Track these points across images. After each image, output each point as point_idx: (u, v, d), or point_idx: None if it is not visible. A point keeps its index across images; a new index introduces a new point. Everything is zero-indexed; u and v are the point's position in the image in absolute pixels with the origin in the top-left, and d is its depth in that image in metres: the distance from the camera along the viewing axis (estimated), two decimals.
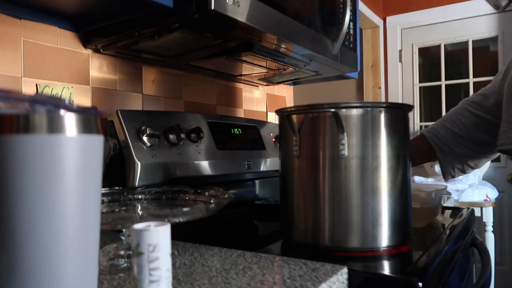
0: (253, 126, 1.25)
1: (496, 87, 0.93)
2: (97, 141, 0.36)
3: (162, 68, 1.15)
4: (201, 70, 1.22)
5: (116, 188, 0.80)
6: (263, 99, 1.59)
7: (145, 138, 0.87)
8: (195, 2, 0.71)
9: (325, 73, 1.30)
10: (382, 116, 0.69)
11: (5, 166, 0.31)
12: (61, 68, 0.90)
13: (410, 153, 0.76)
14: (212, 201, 0.70)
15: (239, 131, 1.18)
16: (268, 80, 1.42)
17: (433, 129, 1.01)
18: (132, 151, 0.85)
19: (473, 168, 1.01)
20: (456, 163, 1.00)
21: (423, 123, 2.97)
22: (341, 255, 0.67)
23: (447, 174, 1.02)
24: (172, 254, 0.64)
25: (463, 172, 1.01)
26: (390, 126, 0.69)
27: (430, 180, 2.21)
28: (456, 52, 2.91)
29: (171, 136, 0.93)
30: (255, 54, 0.99)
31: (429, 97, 3.00)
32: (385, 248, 0.68)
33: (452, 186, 2.13)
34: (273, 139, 1.30)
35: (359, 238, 0.67)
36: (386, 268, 0.64)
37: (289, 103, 1.75)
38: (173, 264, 0.60)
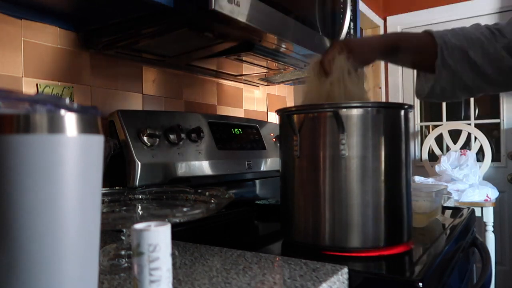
0: (254, 126, 1.25)
1: None
2: (97, 141, 0.36)
3: (163, 68, 1.15)
4: (201, 70, 1.22)
5: (117, 188, 0.80)
6: (264, 99, 1.59)
7: (145, 138, 0.87)
8: (195, 2, 0.71)
9: None
10: (383, 116, 0.69)
11: (5, 166, 0.31)
12: (61, 68, 0.90)
13: (409, 49, 0.70)
14: (212, 201, 0.70)
15: (239, 131, 1.18)
16: (269, 80, 1.42)
17: (444, 34, 0.80)
18: (133, 151, 0.85)
19: (449, 99, 0.86)
20: (447, 83, 0.81)
21: (424, 123, 2.97)
22: (342, 255, 0.66)
23: (425, 91, 0.84)
24: (173, 254, 0.64)
25: (438, 97, 0.85)
26: (391, 126, 0.69)
27: (430, 180, 2.21)
28: None
29: (172, 136, 0.93)
30: (256, 54, 0.99)
31: None
32: (385, 248, 0.68)
33: (452, 186, 2.13)
34: (274, 139, 1.30)
35: (360, 238, 0.67)
36: (386, 268, 0.64)
37: (290, 103, 1.75)
38: (174, 264, 0.60)
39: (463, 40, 0.78)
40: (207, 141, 1.03)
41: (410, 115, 0.76)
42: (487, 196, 2.13)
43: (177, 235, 0.69)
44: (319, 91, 0.78)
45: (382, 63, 2.91)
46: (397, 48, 0.82)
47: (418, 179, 2.18)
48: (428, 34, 0.81)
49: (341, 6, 1.10)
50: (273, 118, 1.60)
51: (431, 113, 3.00)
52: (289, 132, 0.73)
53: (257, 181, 1.23)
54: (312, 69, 0.81)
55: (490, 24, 0.80)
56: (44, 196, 0.32)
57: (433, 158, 2.70)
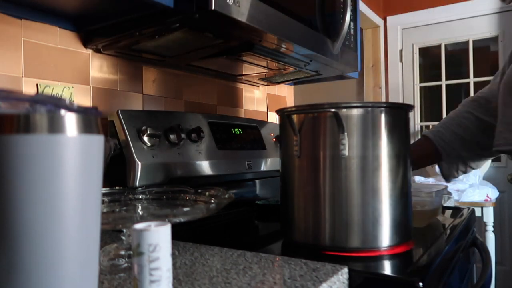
0: (254, 126, 1.25)
1: (496, 89, 0.94)
2: (97, 141, 0.36)
3: (163, 68, 1.15)
4: (201, 70, 1.22)
5: (117, 188, 0.80)
6: (264, 99, 1.59)
7: (145, 138, 0.87)
8: (195, 2, 0.71)
9: (325, 73, 1.30)
10: (383, 116, 0.69)
11: (6, 166, 0.31)
12: (61, 68, 0.90)
13: (412, 156, 0.76)
14: (212, 201, 0.70)
15: (239, 131, 1.18)
16: (269, 80, 1.42)
17: (439, 131, 1.00)
18: (133, 151, 0.85)
19: (474, 168, 1.03)
20: (460, 165, 1.00)
21: (424, 123, 2.97)
22: (342, 255, 0.66)
23: (451, 177, 1.03)
24: (173, 254, 0.64)
25: (465, 172, 1.03)
26: (391, 126, 0.69)
27: (430, 180, 2.21)
28: (457, 52, 2.91)
29: (172, 136, 0.93)
30: (256, 54, 0.99)
31: (430, 97, 3.00)
32: (385, 248, 0.68)
33: (452, 186, 2.13)
34: (274, 139, 1.30)
35: (360, 238, 0.67)
36: (386, 268, 0.64)
37: (290, 103, 1.75)
38: (174, 264, 0.60)
39: (452, 125, 1.00)
40: (207, 141, 1.03)
41: (410, 115, 0.77)
42: (487, 196, 2.13)
43: (177, 235, 0.69)
44: None
45: (382, 64, 2.91)
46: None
47: (418, 179, 2.19)
48: (426, 138, 1.01)
49: (341, 6, 1.10)
50: (273, 118, 1.60)
51: (431, 113, 3.00)
52: (289, 132, 0.73)
53: (257, 181, 1.23)
54: None
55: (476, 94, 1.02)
56: (44, 196, 0.32)
57: None
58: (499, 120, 0.87)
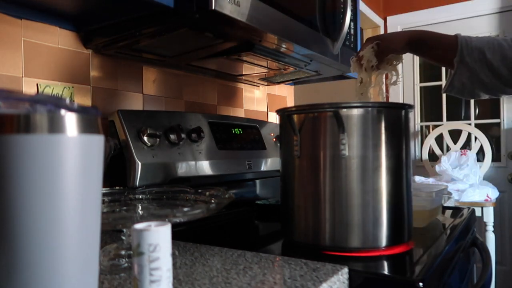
0: (254, 126, 1.25)
1: None
2: (97, 141, 0.36)
3: (163, 68, 1.15)
4: (201, 70, 1.22)
5: (117, 188, 0.80)
6: (264, 99, 1.59)
7: (145, 138, 0.87)
8: (195, 2, 0.71)
9: (325, 73, 1.30)
10: (383, 116, 0.69)
11: (6, 166, 0.31)
12: (61, 68, 0.90)
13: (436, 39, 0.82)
14: (212, 201, 0.70)
15: (239, 131, 1.18)
16: (269, 80, 1.42)
17: (469, 37, 0.86)
18: (133, 151, 0.85)
19: (469, 97, 0.93)
20: (466, 79, 0.86)
21: (424, 123, 2.97)
22: (342, 255, 0.66)
23: (449, 87, 0.90)
24: (173, 254, 0.64)
25: (459, 92, 0.90)
26: (391, 126, 0.69)
27: (430, 180, 2.21)
28: None
29: (172, 136, 0.93)
30: (256, 54, 0.99)
31: (430, 97, 3.00)
32: (385, 248, 0.68)
33: (452, 186, 2.13)
34: (274, 139, 1.30)
35: (360, 238, 0.67)
36: (386, 268, 0.64)
37: (290, 103, 1.75)
38: (174, 264, 0.60)
39: (483, 43, 0.84)
40: (207, 141, 1.03)
41: (411, 115, 0.77)
42: (487, 196, 2.13)
43: (177, 235, 0.69)
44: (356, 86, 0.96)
45: None
46: (423, 41, 0.91)
47: (418, 179, 2.18)
48: (454, 35, 0.89)
49: (341, 6, 1.10)
50: (274, 118, 1.60)
51: (431, 113, 3.00)
52: (289, 132, 0.73)
53: (257, 181, 1.23)
54: (352, 65, 0.96)
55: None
56: (44, 196, 0.32)
57: (433, 158, 2.70)
58: None
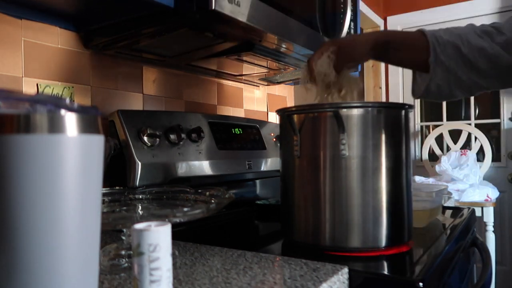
0: (254, 126, 1.25)
1: None
2: (97, 141, 0.36)
3: (163, 68, 1.15)
4: (201, 70, 1.22)
5: (117, 188, 0.80)
6: (264, 99, 1.59)
7: (145, 138, 0.87)
8: (195, 2, 0.71)
9: None
10: (383, 116, 0.69)
11: (6, 166, 0.31)
12: (61, 68, 0.90)
13: (400, 46, 0.71)
14: (212, 201, 0.70)
15: (239, 131, 1.18)
16: (269, 80, 1.42)
17: (436, 31, 0.78)
18: (133, 151, 0.85)
19: (446, 98, 0.83)
20: (442, 80, 0.78)
21: (424, 123, 2.97)
22: (342, 255, 0.66)
23: (421, 90, 0.81)
24: (173, 254, 0.64)
25: (435, 96, 0.81)
26: (391, 126, 0.69)
27: (430, 180, 2.21)
28: None
29: (172, 136, 0.93)
30: (256, 54, 0.99)
31: None
32: (385, 248, 0.68)
33: (452, 186, 2.13)
34: (274, 139, 1.30)
35: (360, 238, 0.67)
36: (386, 268, 0.64)
37: (290, 103, 1.75)
38: (174, 264, 0.60)
39: (455, 37, 0.76)
40: (207, 141, 1.03)
41: (411, 115, 0.76)
42: (488, 196, 2.13)
43: (177, 235, 0.69)
44: (305, 96, 0.79)
45: (383, 64, 2.91)
46: (387, 45, 0.79)
47: (418, 179, 2.18)
48: (419, 31, 0.78)
49: (342, 6, 1.10)
50: (274, 118, 1.59)
51: (431, 113, 3.00)
52: (289, 132, 0.73)
53: (257, 181, 1.23)
54: (302, 73, 0.81)
55: (486, 24, 0.78)
56: (44, 196, 0.32)
57: (434, 158, 2.70)
58: None
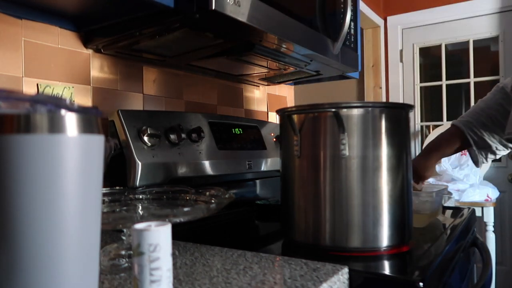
0: (254, 126, 1.25)
1: None
2: (97, 141, 0.36)
3: (163, 68, 1.15)
4: (202, 70, 1.22)
5: (117, 188, 0.80)
6: (264, 99, 1.59)
7: (146, 138, 0.87)
8: (196, 2, 0.71)
9: (326, 73, 1.30)
10: (383, 116, 0.69)
11: (6, 166, 0.31)
12: (62, 68, 0.90)
13: (439, 146, 0.99)
14: (213, 201, 0.70)
15: (240, 131, 1.18)
16: (269, 80, 1.42)
17: (468, 122, 1.07)
18: (133, 151, 0.85)
19: (503, 153, 1.09)
20: (489, 152, 1.07)
21: (424, 123, 2.97)
22: (342, 255, 0.66)
23: (480, 163, 1.10)
24: (173, 254, 0.64)
25: (495, 156, 1.10)
26: (391, 126, 0.69)
27: (431, 180, 2.21)
28: (457, 52, 2.91)
29: (172, 136, 0.93)
30: (256, 54, 0.99)
31: (430, 97, 3.00)
32: (386, 248, 0.68)
33: (453, 186, 2.13)
34: (274, 139, 1.30)
35: (360, 238, 0.67)
36: (387, 268, 0.64)
37: (290, 103, 1.75)
38: (174, 264, 0.60)
39: (483, 118, 1.05)
40: (207, 141, 1.03)
41: (411, 115, 0.77)
42: (488, 196, 2.13)
43: (177, 235, 0.69)
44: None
45: (383, 64, 2.91)
46: (442, 153, 1.11)
47: None
48: (456, 128, 1.08)
49: (342, 6, 1.10)
50: (274, 118, 1.59)
51: (431, 113, 2.99)
52: (290, 132, 0.73)
53: (257, 181, 1.23)
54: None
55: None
56: (44, 196, 0.32)
57: None
58: None
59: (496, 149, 1.06)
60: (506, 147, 1.07)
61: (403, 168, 0.71)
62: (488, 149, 1.06)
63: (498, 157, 1.09)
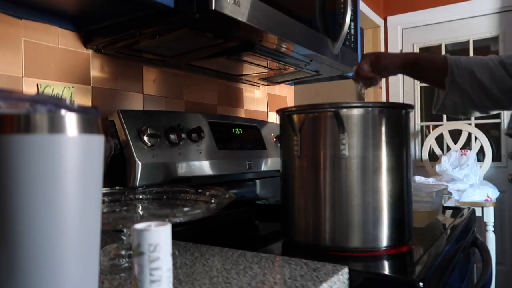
0: (254, 126, 1.25)
1: None
2: (97, 141, 0.36)
3: (163, 68, 1.15)
4: (202, 70, 1.22)
5: (117, 188, 0.80)
6: (264, 99, 1.59)
7: (146, 138, 0.87)
8: (195, 2, 0.71)
9: (326, 73, 1.30)
10: (383, 116, 0.69)
11: (6, 166, 0.31)
12: (62, 68, 0.90)
13: (424, 65, 0.90)
14: (213, 201, 0.70)
15: (240, 131, 1.18)
16: (269, 80, 1.42)
17: (458, 58, 0.90)
18: (133, 151, 0.85)
19: (462, 116, 0.99)
20: (458, 99, 0.90)
21: (424, 123, 2.97)
22: (342, 255, 0.66)
23: (441, 107, 0.94)
24: (173, 254, 0.64)
25: (451, 111, 0.95)
26: (391, 126, 0.69)
27: (431, 180, 2.21)
28: (457, 52, 2.91)
29: (172, 136, 0.93)
30: (256, 54, 0.99)
31: (430, 97, 3.00)
32: (386, 248, 0.68)
33: (453, 186, 2.13)
34: (274, 139, 1.30)
35: (360, 238, 0.67)
36: (387, 268, 0.64)
37: (290, 103, 1.75)
38: (174, 264, 0.60)
39: (472, 63, 0.88)
40: (207, 141, 1.03)
41: (411, 115, 0.77)
42: (488, 196, 2.13)
43: (177, 235, 0.69)
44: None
45: None
46: (415, 64, 0.95)
47: (418, 179, 2.18)
48: (444, 56, 0.93)
49: (342, 6, 1.10)
50: (274, 118, 1.59)
51: (431, 113, 2.99)
52: (290, 132, 0.73)
53: (257, 181, 1.23)
54: (355, 87, 1.05)
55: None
56: (44, 196, 0.32)
57: (434, 158, 2.70)
58: None
59: (467, 103, 0.90)
60: (476, 109, 0.91)
61: (403, 168, 0.71)
62: (460, 96, 0.89)
63: (459, 116, 0.97)
